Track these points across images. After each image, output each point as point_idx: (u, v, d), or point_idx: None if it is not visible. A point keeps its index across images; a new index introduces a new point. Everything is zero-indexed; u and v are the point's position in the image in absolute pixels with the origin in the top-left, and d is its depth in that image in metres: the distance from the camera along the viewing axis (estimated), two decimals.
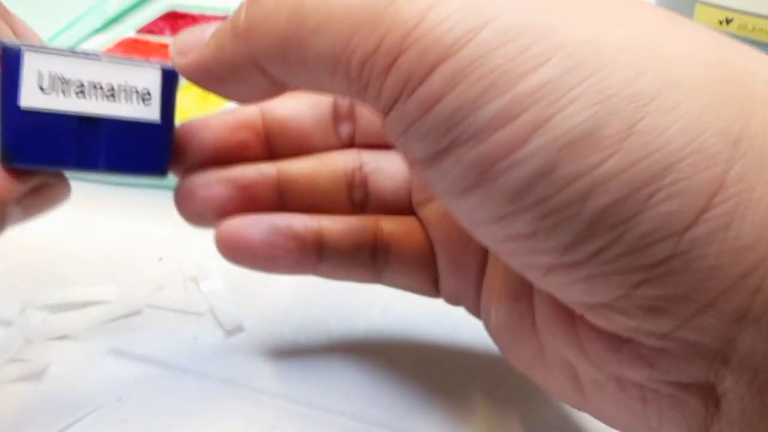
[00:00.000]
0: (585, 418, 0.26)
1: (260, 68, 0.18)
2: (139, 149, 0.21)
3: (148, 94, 0.21)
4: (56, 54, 0.20)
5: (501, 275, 0.23)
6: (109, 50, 0.47)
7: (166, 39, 0.49)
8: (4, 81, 0.20)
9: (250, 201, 0.24)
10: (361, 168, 0.25)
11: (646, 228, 0.14)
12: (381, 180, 0.25)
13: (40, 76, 0.20)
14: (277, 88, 0.20)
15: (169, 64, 0.21)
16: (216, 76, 0.20)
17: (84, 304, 0.30)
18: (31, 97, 0.20)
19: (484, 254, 0.24)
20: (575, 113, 0.14)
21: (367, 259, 0.24)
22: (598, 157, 0.14)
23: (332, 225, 0.24)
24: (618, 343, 0.17)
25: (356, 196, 0.25)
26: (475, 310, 0.25)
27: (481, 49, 0.14)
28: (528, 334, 0.21)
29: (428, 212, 0.25)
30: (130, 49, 0.48)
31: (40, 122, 0.20)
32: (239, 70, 0.19)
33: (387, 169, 0.25)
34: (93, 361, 0.28)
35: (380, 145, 0.26)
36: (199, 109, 0.40)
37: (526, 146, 0.14)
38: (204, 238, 0.25)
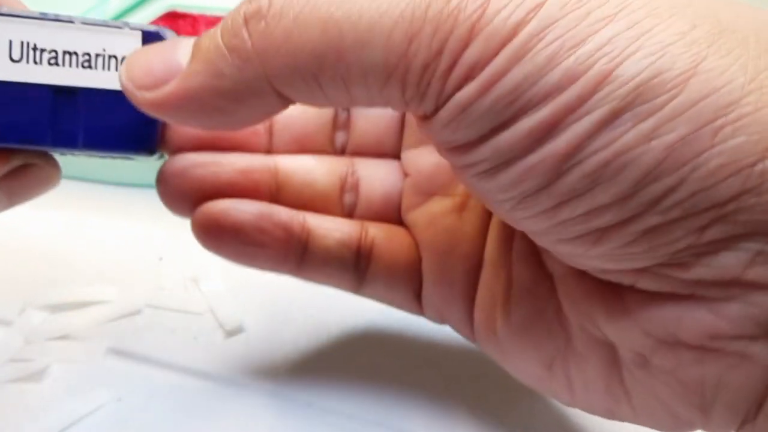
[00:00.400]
0: (585, 420, 0.26)
1: (276, 90, 0.17)
2: (122, 124, 0.20)
3: None
4: (27, 20, 0.19)
5: (504, 277, 0.22)
6: None
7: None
8: None
9: (247, 187, 0.23)
10: (354, 172, 0.25)
11: (714, 165, 0.14)
12: (372, 185, 0.25)
13: (10, 44, 0.18)
14: (285, 106, 0.18)
15: (151, 26, 0.20)
16: (210, 108, 0.17)
17: (84, 304, 0.30)
18: (0, 68, 0.19)
19: (475, 262, 0.23)
20: (638, 60, 0.15)
21: (350, 263, 0.24)
22: (663, 98, 0.14)
23: (319, 222, 0.24)
24: (675, 301, 0.17)
25: (347, 200, 0.25)
26: (464, 327, 0.24)
27: (544, 22, 0.15)
28: (551, 327, 0.21)
29: (417, 216, 0.25)
30: None
31: (12, 95, 0.19)
32: (245, 96, 0.17)
33: (379, 174, 0.25)
34: (93, 362, 0.28)
35: (370, 155, 0.26)
36: None
37: (592, 99, 0.15)
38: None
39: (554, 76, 0.15)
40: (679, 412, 0.18)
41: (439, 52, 0.16)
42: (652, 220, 0.15)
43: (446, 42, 0.15)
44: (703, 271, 0.16)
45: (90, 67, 0.19)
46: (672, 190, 0.15)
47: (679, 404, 0.18)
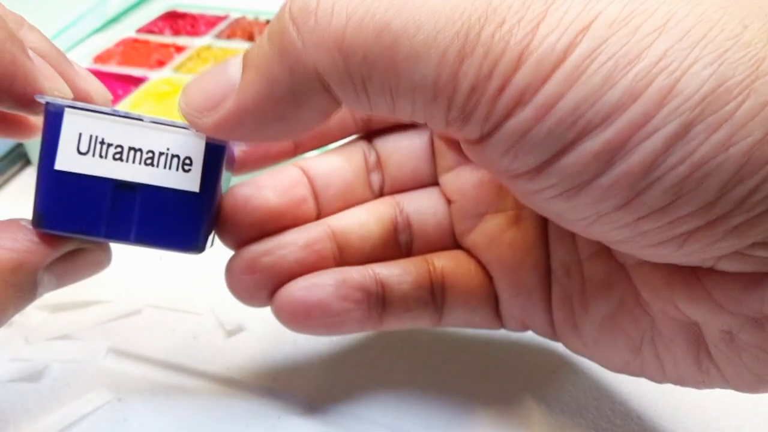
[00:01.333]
0: (585, 421, 0.26)
1: (326, 86, 0.17)
2: (174, 221, 0.20)
3: (189, 161, 0.20)
4: (98, 115, 0.19)
5: (577, 276, 0.22)
6: (109, 50, 0.48)
7: (166, 39, 0.49)
8: (44, 141, 0.19)
9: (314, 260, 0.23)
10: (401, 211, 0.25)
11: None
12: (423, 218, 0.25)
13: (80, 137, 0.19)
14: (339, 105, 0.18)
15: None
16: (270, 117, 0.17)
17: (84, 304, 0.30)
18: (67, 159, 0.19)
19: (545, 268, 0.24)
20: (699, 72, 0.15)
21: (428, 299, 0.24)
22: (732, 105, 0.14)
23: (389, 271, 0.24)
24: (756, 280, 0.17)
25: (402, 240, 0.25)
26: (547, 330, 0.24)
27: (594, 42, 0.15)
28: (633, 313, 0.21)
29: (476, 238, 0.25)
30: (130, 48, 0.48)
31: (75, 186, 0.19)
32: (301, 96, 0.17)
33: (426, 206, 0.25)
34: (93, 362, 0.28)
35: (409, 188, 0.25)
36: (158, 109, 0.40)
37: (659, 115, 0.15)
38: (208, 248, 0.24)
39: (614, 95, 0.15)
40: None
41: (489, 76, 0.15)
42: (737, 219, 0.16)
43: (496, 65, 0.15)
44: None
45: (152, 164, 0.19)
46: (755, 190, 0.15)
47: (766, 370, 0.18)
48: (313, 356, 0.28)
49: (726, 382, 0.20)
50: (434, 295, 0.24)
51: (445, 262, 0.24)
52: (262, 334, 0.29)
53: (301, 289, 0.23)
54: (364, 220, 0.24)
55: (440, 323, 0.25)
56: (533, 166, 0.17)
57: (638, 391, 0.27)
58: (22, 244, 0.19)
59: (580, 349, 0.24)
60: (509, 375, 0.27)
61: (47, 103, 0.19)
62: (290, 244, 0.23)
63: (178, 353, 0.28)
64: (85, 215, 0.19)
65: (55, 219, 0.19)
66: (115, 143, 0.19)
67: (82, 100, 0.21)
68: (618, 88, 0.15)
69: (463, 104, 0.16)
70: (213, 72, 0.18)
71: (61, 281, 0.21)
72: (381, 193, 0.25)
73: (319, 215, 0.24)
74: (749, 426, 0.26)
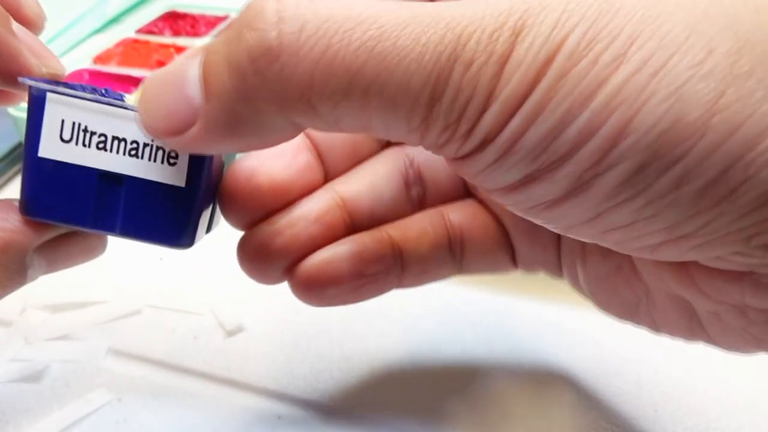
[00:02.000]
0: (586, 421, 0.26)
1: (294, 122, 0.17)
2: (160, 215, 0.19)
3: (175, 154, 0.19)
4: (80, 102, 0.18)
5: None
6: (109, 50, 0.47)
7: (165, 39, 0.49)
8: (28, 126, 0.19)
9: (326, 233, 0.23)
10: (412, 162, 0.25)
11: (754, 194, 0.15)
12: (434, 168, 0.25)
13: (62, 124, 0.18)
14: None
15: None
16: (238, 138, 0.17)
17: (84, 304, 0.30)
18: (50, 146, 0.19)
19: None
20: (654, 107, 0.14)
21: (447, 257, 0.24)
22: (686, 146, 0.14)
23: (404, 233, 0.24)
24: (737, 276, 0.17)
25: (414, 193, 0.25)
26: (556, 272, 0.25)
27: (554, 79, 0.15)
28: (629, 280, 0.21)
29: None
30: (130, 49, 0.48)
31: (59, 174, 0.19)
32: (269, 130, 0.17)
33: (436, 156, 0.25)
34: (93, 362, 0.28)
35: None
36: None
37: (613, 153, 0.15)
38: (203, 237, 0.24)
39: (570, 134, 0.15)
40: (761, 340, 0.19)
41: (458, 120, 0.16)
42: (698, 240, 0.16)
43: (465, 109, 0.15)
44: (759, 259, 0.16)
45: (137, 156, 0.19)
46: (716, 218, 0.15)
47: (756, 343, 0.19)
48: (313, 356, 0.28)
49: (716, 344, 0.20)
50: (453, 251, 0.24)
51: (460, 216, 0.24)
52: (262, 334, 0.29)
53: (316, 267, 0.22)
54: (373, 182, 0.24)
55: (459, 274, 0.25)
56: (502, 188, 0.17)
57: (638, 391, 0.27)
58: (12, 224, 0.19)
59: (586, 294, 0.24)
60: (509, 375, 0.27)
61: (30, 87, 0.18)
62: (301, 219, 0.23)
63: (178, 353, 0.28)
64: (70, 204, 0.19)
65: (39, 207, 0.19)
66: (99, 132, 0.19)
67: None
68: (575, 125, 0.15)
69: (435, 141, 0.16)
70: (169, 88, 0.17)
71: (52, 265, 0.21)
72: (388, 144, 0.25)
73: (326, 178, 0.24)
74: (749, 426, 0.26)
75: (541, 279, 0.26)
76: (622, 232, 0.16)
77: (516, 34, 0.15)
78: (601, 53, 0.15)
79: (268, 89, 0.16)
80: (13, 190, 0.39)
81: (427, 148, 0.17)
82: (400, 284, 0.24)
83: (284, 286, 0.28)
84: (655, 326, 0.22)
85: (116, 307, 0.30)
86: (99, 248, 0.22)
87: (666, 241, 0.16)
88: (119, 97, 0.19)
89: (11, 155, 0.40)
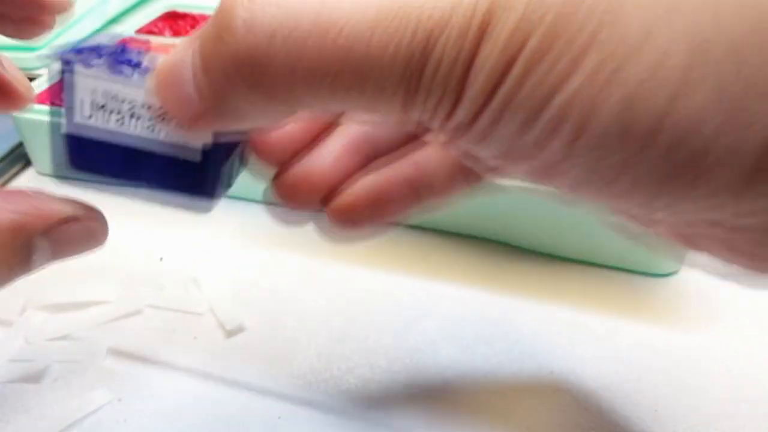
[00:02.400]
0: (585, 421, 0.26)
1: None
2: (187, 172, 0.21)
3: None
4: (105, 75, 0.20)
5: None
6: None
7: (166, 39, 0.49)
8: (65, 98, 0.20)
9: (353, 164, 0.23)
10: None
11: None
12: None
13: (94, 93, 0.20)
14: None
15: None
16: (248, 120, 0.19)
17: (84, 304, 0.30)
18: (82, 114, 0.20)
19: None
20: (606, 113, 0.15)
21: (468, 175, 0.24)
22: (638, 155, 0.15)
23: (425, 163, 0.24)
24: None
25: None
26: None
27: (517, 79, 0.15)
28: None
29: None
30: None
31: (88, 140, 0.20)
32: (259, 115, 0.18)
33: None
34: (93, 362, 0.28)
35: None
36: None
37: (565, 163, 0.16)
38: (204, 237, 0.25)
39: (529, 140, 0.16)
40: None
41: (432, 114, 0.16)
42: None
43: (437, 107, 0.16)
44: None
45: (163, 119, 0.20)
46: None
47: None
48: (313, 356, 0.28)
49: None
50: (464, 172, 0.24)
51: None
52: (262, 334, 0.29)
53: (354, 194, 0.23)
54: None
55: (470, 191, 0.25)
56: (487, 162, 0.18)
57: (638, 391, 0.27)
58: (23, 207, 0.20)
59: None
60: (509, 375, 0.27)
61: (61, 58, 0.20)
62: (326, 156, 0.23)
63: (178, 353, 0.28)
64: (105, 160, 0.21)
65: (78, 161, 0.21)
66: (129, 99, 0.20)
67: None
68: (531, 134, 0.16)
69: (415, 129, 0.17)
70: (172, 84, 0.19)
71: (57, 251, 0.21)
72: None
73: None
74: (749, 426, 0.26)
75: (541, 279, 0.26)
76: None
77: (484, 29, 0.15)
78: (563, 56, 0.15)
79: (252, 96, 0.17)
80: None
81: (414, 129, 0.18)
82: (420, 207, 0.24)
83: (284, 286, 0.28)
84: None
85: (116, 307, 0.30)
86: (100, 234, 0.22)
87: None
88: (138, 57, 0.20)
89: (11, 155, 0.40)
